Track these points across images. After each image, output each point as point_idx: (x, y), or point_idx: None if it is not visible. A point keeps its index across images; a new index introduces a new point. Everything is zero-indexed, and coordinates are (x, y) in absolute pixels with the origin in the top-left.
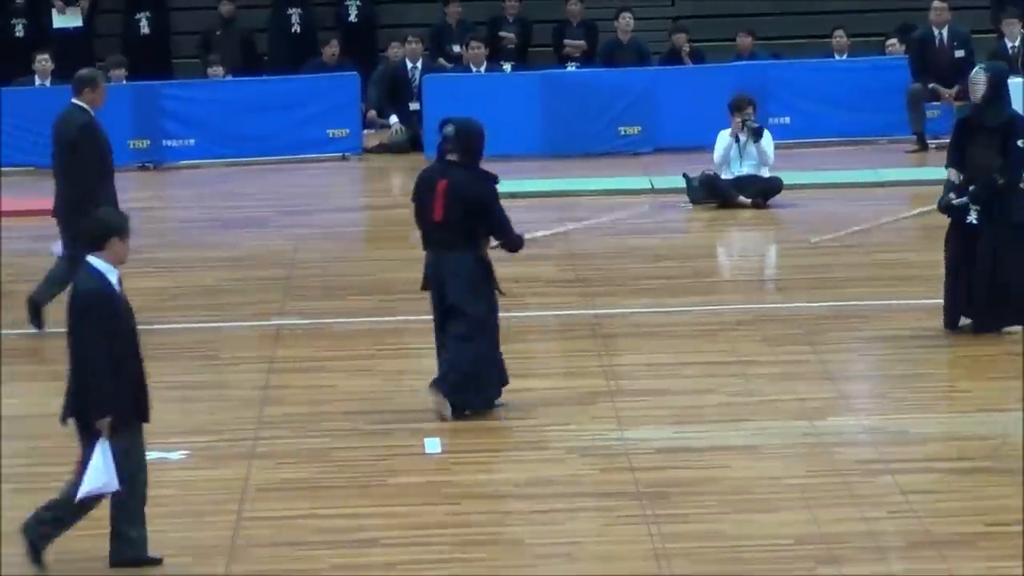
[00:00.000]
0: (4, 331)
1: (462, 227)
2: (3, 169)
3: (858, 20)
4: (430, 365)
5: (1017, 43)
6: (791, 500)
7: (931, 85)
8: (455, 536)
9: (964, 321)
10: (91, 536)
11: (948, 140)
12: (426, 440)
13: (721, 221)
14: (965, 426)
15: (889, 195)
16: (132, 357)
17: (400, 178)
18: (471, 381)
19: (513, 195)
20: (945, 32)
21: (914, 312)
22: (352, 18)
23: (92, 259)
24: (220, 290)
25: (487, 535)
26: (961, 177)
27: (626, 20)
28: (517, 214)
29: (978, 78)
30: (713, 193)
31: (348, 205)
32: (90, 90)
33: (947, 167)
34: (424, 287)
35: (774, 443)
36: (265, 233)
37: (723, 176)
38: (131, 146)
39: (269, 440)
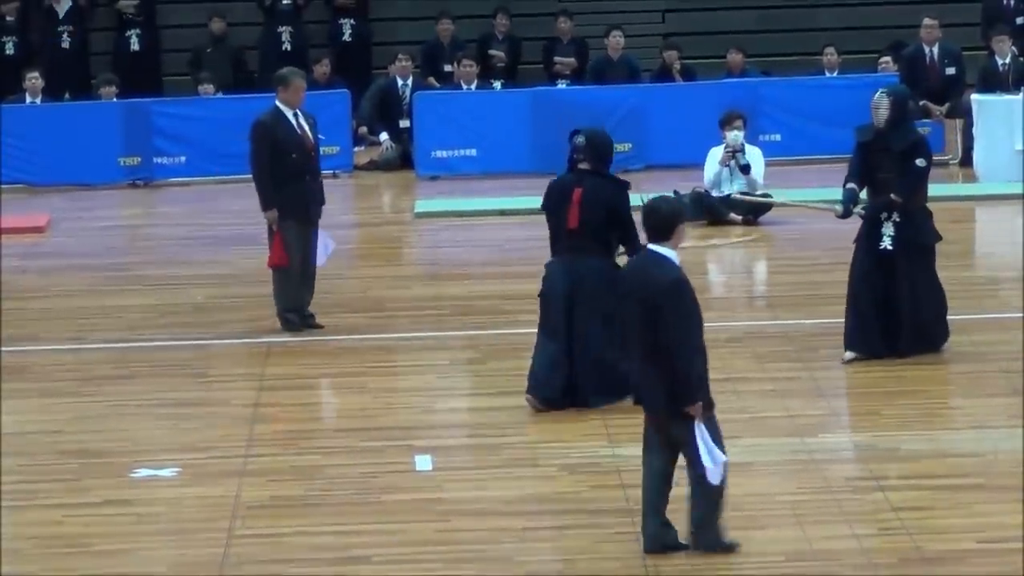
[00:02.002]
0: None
1: (597, 233)
2: None
3: (849, 37)
4: (420, 382)
5: (1007, 60)
6: (782, 517)
7: (922, 102)
8: (446, 553)
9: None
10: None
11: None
12: (417, 457)
13: (711, 238)
14: (956, 443)
15: None
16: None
17: (390, 195)
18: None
19: (503, 212)
20: (936, 49)
21: None
22: (347, 37)
23: (657, 248)
24: (211, 307)
25: (478, 552)
26: (864, 190)
27: (616, 39)
28: (509, 231)
29: (880, 102)
30: (704, 210)
31: (339, 222)
32: (282, 89)
33: (846, 185)
34: (543, 294)
35: (765, 460)
36: (256, 250)
37: (713, 194)
38: (122, 163)
39: (260, 457)
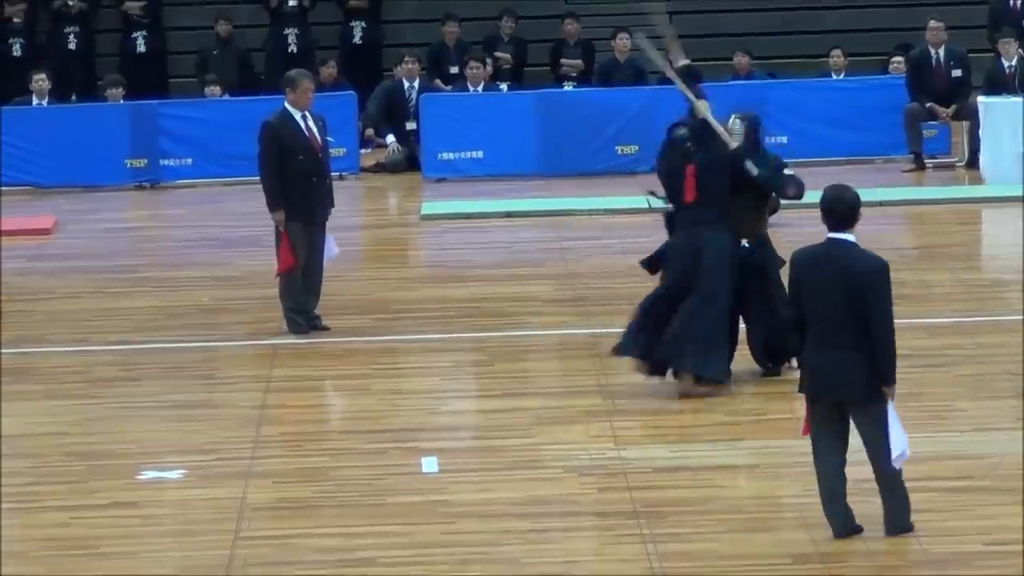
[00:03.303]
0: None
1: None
2: (1, 188)
3: (855, 40)
4: (426, 384)
5: (1013, 62)
6: (789, 519)
7: (928, 104)
8: (452, 555)
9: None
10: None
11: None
12: (423, 459)
13: None
14: (963, 445)
15: (886, 214)
16: None
17: (397, 197)
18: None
19: (510, 214)
20: (942, 52)
21: (911, 331)
22: (357, 39)
23: (841, 235)
24: (217, 309)
25: (483, 554)
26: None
27: (623, 41)
28: (516, 233)
29: (734, 127)
30: None
31: (345, 224)
32: (290, 91)
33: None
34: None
35: (772, 462)
36: (262, 252)
37: None
38: (128, 165)
39: (266, 459)
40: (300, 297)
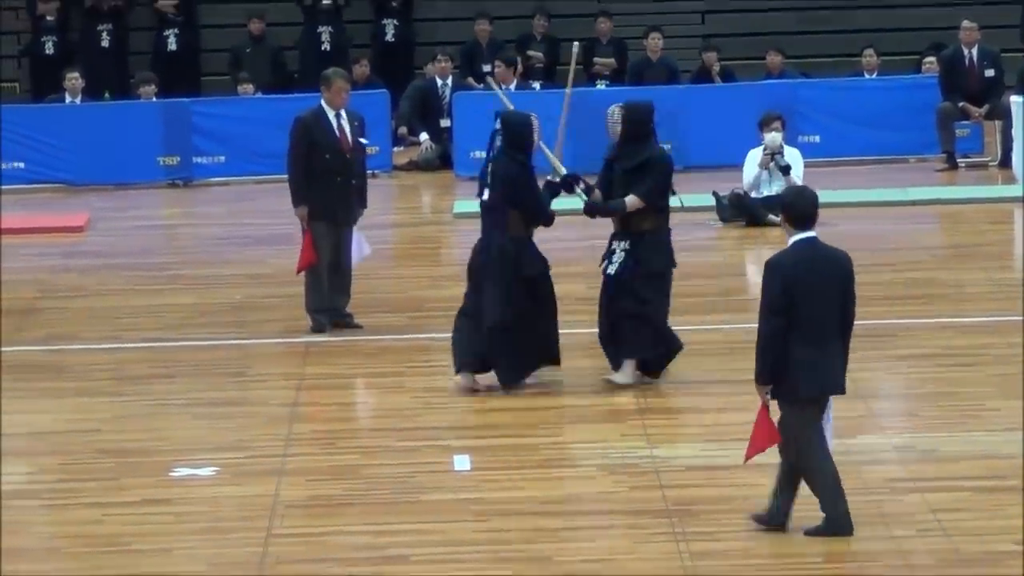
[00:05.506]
0: (30, 347)
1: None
2: (35, 186)
3: (888, 39)
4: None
5: None
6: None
7: (961, 104)
8: (484, 553)
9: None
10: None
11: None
12: (455, 457)
13: (750, 239)
14: (994, 444)
15: (918, 214)
16: None
17: (430, 195)
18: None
19: None
20: (975, 51)
21: (944, 330)
22: (389, 37)
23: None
24: (249, 307)
25: (516, 552)
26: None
27: (655, 40)
28: (548, 231)
29: (612, 115)
30: (742, 211)
31: (378, 222)
32: (325, 89)
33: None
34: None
35: None
36: (294, 250)
37: (752, 195)
38: (161, 163)
39: (298, 457)
40: (323, 296)
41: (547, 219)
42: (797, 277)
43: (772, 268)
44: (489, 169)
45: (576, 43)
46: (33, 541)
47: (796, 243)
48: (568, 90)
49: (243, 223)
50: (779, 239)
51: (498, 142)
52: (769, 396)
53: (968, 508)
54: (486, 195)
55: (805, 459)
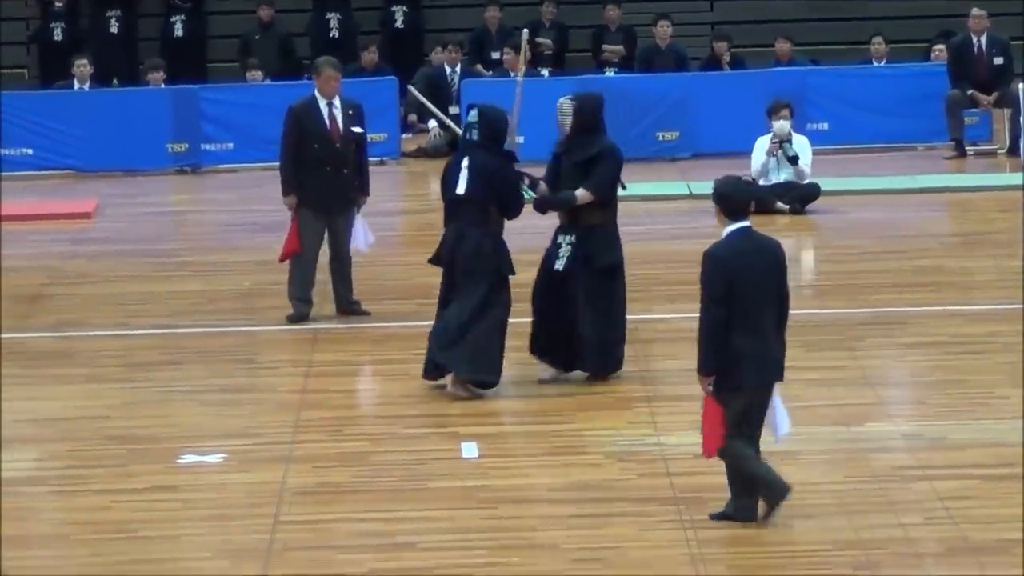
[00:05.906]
0: (39, 334)
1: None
2: (43, 173)
3: (897, 26)
4: None
5: None
6: (828, 506)
7: (969, 92)
8: (491, 540)
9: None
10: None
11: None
12: (463, 444)
13: (758, 227)
14: (1003, 433)
15: (927, 201)
16: None
17: (437, 182)
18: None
19: None
20: (984, 39)
21: (952, 318)
22: (399, 23)
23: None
24: (257, 294)
25: (523, 539)
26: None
27: (664, 27)
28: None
29: (562, 107)
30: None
31: (385, 209)
32: (315, 77)
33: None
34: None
35: (812, 449)
36: None
37: (761, 183)
38: (169, 150)
39: (306, 443)
40: (306, 284)
41: (519, 214)
42: (736, 267)
43: (710, 258)
44: (465, 163)
45: (525, 30)
46: (41, 527)
47: (731, 233)
48: (519, 78)
49: (251, 210)
50: (787, 226)
51: (473, 135)
52: (711, 387)
53: (976, 496)
54: (462, 188)
55: (730, 446)
